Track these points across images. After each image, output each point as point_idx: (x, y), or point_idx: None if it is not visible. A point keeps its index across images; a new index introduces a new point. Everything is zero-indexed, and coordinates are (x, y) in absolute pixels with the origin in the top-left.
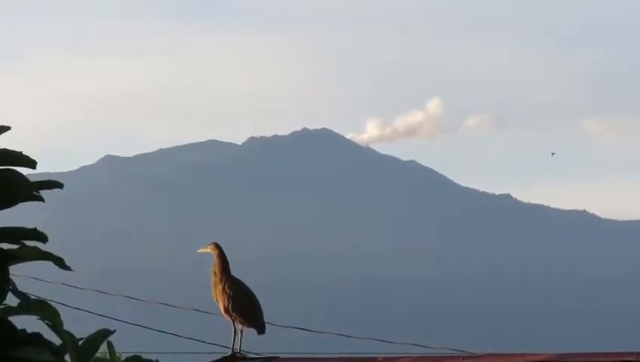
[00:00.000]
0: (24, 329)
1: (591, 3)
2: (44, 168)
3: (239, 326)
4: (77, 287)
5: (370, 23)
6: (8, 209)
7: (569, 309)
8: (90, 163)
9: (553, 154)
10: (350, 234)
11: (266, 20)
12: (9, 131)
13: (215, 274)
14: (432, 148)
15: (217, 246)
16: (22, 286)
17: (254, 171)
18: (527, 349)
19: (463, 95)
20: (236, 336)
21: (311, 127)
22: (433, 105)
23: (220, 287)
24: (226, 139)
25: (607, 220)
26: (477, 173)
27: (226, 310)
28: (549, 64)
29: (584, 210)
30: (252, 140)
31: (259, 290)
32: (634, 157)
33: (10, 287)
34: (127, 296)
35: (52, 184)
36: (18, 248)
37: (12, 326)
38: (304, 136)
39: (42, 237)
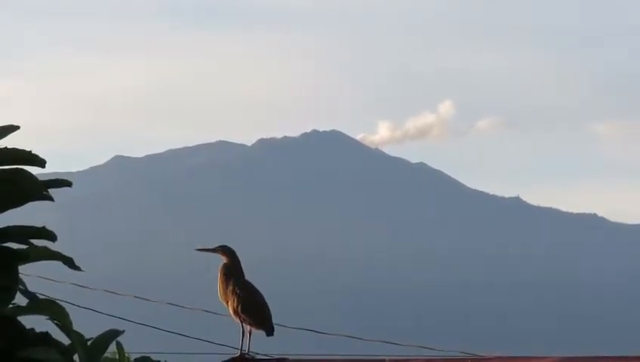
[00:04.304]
0: (33, 329)
1: (603, 5)
2: (54, 168)
3: (248, 328)
4: (86, 287)
5: (382, 25)
6: (18, 208)
7: (579, 312)
8: (100, 163)
9: None
10: (359, 236)
11: (276, 21)
12: (19, 130)
13: (225, 274)
14: (442, 150)
15: (228, 249)
16: (31, 286)
17: (264, 172)
18: (536, 352)
19: (475, 97)
20: (245, 337)
21: (321, 128)
22: (445, 108)
23: (230, 288)
24: (235, 141)
25: (616, 223)
26: (486, 175)
27: (235, 311)
28: (561, 67)
29: (594, 214)
30: (262, 141)
31: (268, 291)
32: None
33: (20, 287)
34: (136, 297)
35: (61, 183)
36: (28, 248)
37: (21, 326)
38: (314, 138)
39: (51, 236)
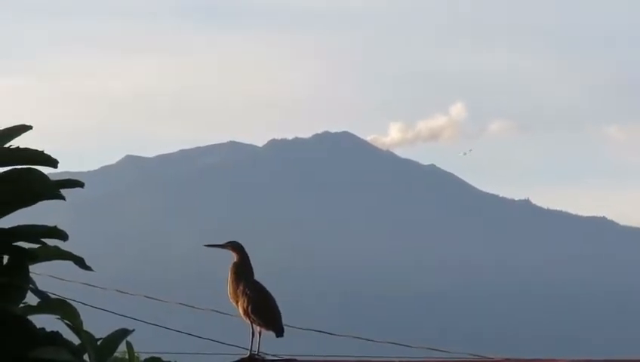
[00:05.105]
0: (43, 328)
1: (616, 7)
2: (65, 167)
3: (258, 328)
4: (97, 287)
5: (394, 27)
6: (30, 208)
7: (589, 316)
8: (111, 163)
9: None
10: (369, 237)
11: (288, 22)
12: (31, 130)
13: (235, 274)
14: (453, 152)
15: (237, 245)
16: (42, 285)
17: (275, 173)
18: (545, 355)
19: (487, 100)
20: (254, 338)
21: (332, 129)
22: (457, 110)
23: (240, 289)
24: (246, 141)
25: (626, 226)
26: (497, 178)
27: (245, 312)
28: (572, 70)
29: (604, 217)
30: (273, 142)
31: (278, 292)
32: None
33: (31, 286)
34: (146, 296)
35: (73, 183)
36: (39, 247)
37: (31, 325)
38: (325, 139)
39: (62, 236)
